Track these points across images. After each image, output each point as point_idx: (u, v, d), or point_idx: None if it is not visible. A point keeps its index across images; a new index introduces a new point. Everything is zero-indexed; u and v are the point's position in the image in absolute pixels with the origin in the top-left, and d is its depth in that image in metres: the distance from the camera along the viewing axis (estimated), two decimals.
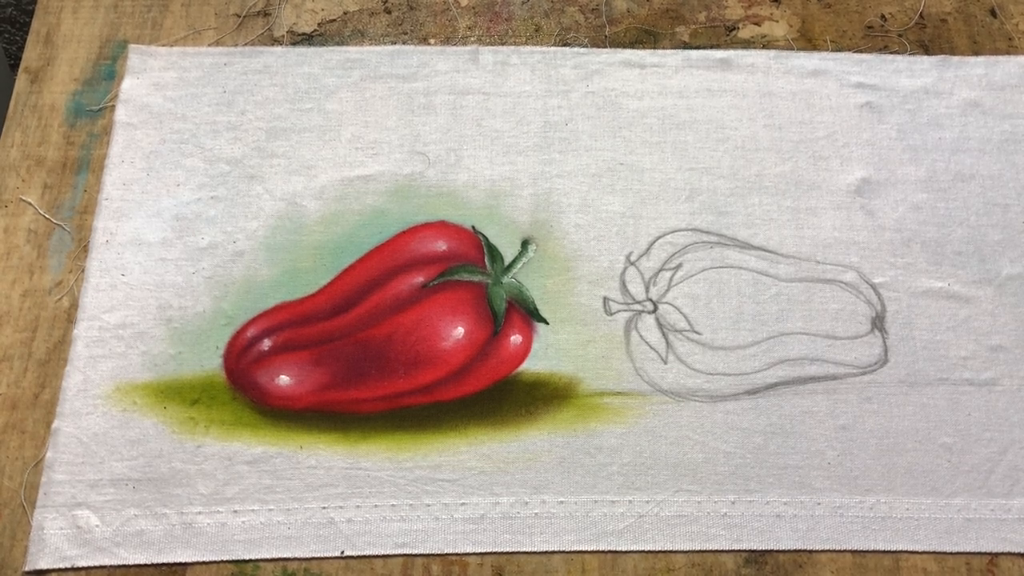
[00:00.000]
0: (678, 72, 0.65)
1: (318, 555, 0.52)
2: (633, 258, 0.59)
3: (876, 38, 0.67)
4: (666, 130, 0.63)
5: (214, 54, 0.65)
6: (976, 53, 0.66)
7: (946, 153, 0.63)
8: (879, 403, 0.56)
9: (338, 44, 0.66)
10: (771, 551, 0.53)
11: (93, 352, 0.56)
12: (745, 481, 0.54)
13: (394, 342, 0.56)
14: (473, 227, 0.60)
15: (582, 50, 0.65)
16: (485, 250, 0.59)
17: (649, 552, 0.52)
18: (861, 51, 0.66)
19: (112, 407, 0.54)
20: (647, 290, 0.58)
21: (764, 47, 0.66)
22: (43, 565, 0.51)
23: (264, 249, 0.59)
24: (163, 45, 0.65)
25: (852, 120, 0.63)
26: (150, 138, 0.62)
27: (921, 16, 0.68)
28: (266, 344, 0.56)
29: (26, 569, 0.51)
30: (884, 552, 0.53)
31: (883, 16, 0.68)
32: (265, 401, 0.55)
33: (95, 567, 0.51)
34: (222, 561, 0.52)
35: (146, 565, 0.51)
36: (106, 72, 0.65)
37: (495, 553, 0.52)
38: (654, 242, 0.60)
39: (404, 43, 0.66)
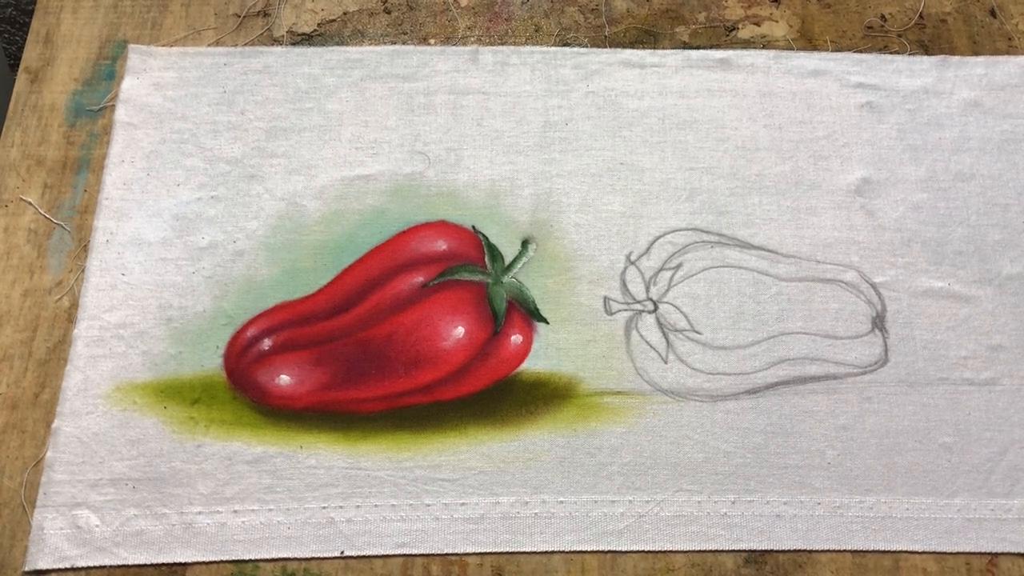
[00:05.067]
0: (678, 72, 0.65)
1: (318, 555, 0.52)
2: (633, 258, 0.59)
3: (876, 38, 0.67)
4: (666, 130, 0.63)
5: (214, 54, 0.65)
6: (976, 53, 0.66)
7: (946, 153, 0.63)
8: (879, 403, 0.56)
9: (338, 44, 0.66)
10: (771, 551, 0.53)
11: (93, 352, 0.56)
12: (745, 481, 0.54)
13: (394, 342, 0.56)
14: (473, 227, 0.60)
15: (582, 50, 0.65)
16: (485, 250, 0.59)
17: (649, 552, 0.52)
18: (861, 51, 0.66)
19: (112, 407, 0.54)
20: (647, 290, 0.58)
21: (764, 47, 0.66)
22: (43, 565, 0.51)
23: (264, 249, 0.59)
24: (163, 45, 0.65)
25: (852, 120, 0.63)
26: (150, 138, 0.62)
27: (921, 16, 0.68)
28: (266, 344, 0.56)
29: (26, 569, 0.51)
30: (884, 552, 0.53)
31: (883, 16, 0.68)
32: (265, 401, 0.55)
33: (95, 567, 0.51)
34: (222, 561, 0.52)
35: (146, 565, 0.51)
36: (106, 72, 0.65)
37: (495, 553, 0.52)
38: (654, 242, 0.60)
39: (404, 43, 0.66)
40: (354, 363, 0.56)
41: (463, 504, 0.53)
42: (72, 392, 0.55)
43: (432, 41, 0.66)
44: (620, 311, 0.58)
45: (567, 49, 0.66)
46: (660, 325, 0.57)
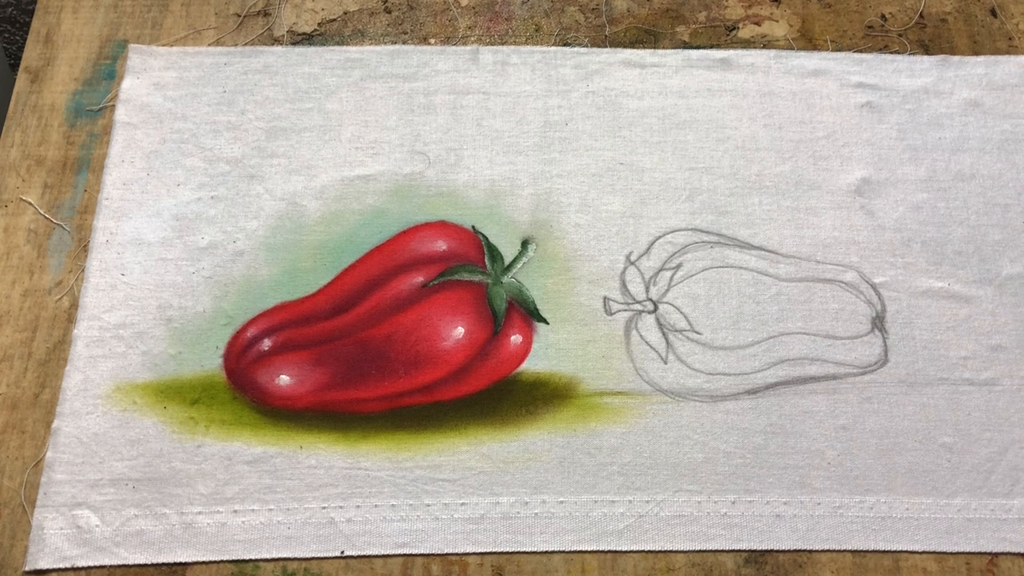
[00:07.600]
0: (678, 72, 0.65)
1: (318, 555, 0.52)
2: (633, 258, 0.59)
3: (876, 38, 0.67)
4: (666, 130, 0.63)
5: (214, 54, 0.65)
6: (976, 53, 0.66)
7: (946, 153, 0.63)
8: (879, 403, 0.56)
9: (338, 44, 0.66)
10: (771, 551, 0.53)
11: (93, 352, 0.56)
12: (745, 481, 0.54)
13: (394, 342, 0.56)
14: (473, 227, 0.60)
15: (582, 50, 0.65)
16: (485, 250, 0.59)
17: (649, 552, 0.52)
18: (861, 51, 0.66)
19: (112, 407, 0.54)
20: (647, 290, 0.58)
21: (764, 47, 0.66)
22: (43, 565, 0.51)
23: (264, 249, 0.59)
24: (163, 45, 0.65)
25: (852, 120, 0.63)
26: (150, 138, 0.62)
27: (921, 16, 0.68)
28: (266, 344, 0.56)
29: (26, 569, 0.51)
30: (884, 552, 0.53)
31: (883, 16, 0.68)
32: (265, 401, 0.55)
33: (95, 567, 0.51)
34: (222, 561, 0.52)
35: (146, 565, 0.51)
36: (106, 72, 0.65)
37: (495, 553, 0.52)
38: (654, 242, 0.60)
39: (404, 43, 0.66)
40: (354, 363, 0.56)
41: (463, 504, 0.53)
42: (72, 392, 0.55)
43: (432, 41, 0.66)
44: (620, 311, 0.58)
45: (567, 49, 0.66)
46: (660, 325, 0.57)
